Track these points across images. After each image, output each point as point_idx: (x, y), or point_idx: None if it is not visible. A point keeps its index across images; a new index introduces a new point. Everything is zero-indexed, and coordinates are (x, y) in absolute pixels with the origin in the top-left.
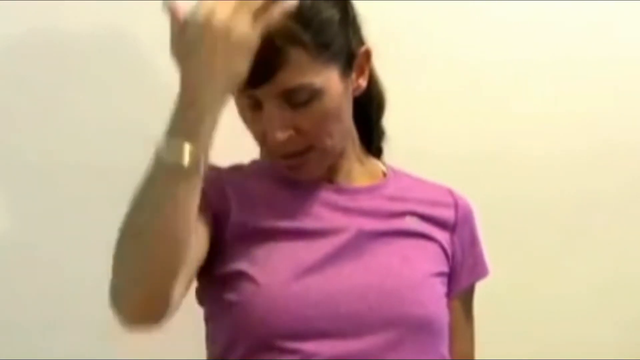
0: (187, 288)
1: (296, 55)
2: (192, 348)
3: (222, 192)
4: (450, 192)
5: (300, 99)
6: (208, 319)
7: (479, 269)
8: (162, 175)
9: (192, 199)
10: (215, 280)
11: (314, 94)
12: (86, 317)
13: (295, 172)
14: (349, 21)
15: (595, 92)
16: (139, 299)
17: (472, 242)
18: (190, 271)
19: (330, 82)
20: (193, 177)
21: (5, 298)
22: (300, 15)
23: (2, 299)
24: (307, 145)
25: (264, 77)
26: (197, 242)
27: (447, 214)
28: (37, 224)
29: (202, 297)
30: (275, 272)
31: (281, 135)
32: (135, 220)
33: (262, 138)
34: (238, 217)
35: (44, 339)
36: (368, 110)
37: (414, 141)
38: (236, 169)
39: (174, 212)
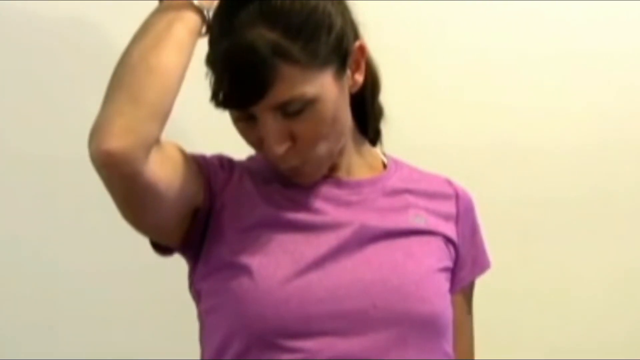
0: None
1: (287, 70)
2: (191, 348)
3: (229, 174)
4: (449, 183)
5: (294, 109)
6: (203, 314)
7: (481, 261)
8: (168, 10)
9: (188, 42)
10: (212, 272)
11: (308, 103)
12: (86, 317)
13: (295, 178)
14: (339, 20)
15: (602, 86)
16: (118, 130)
17: (474, 233)
18: (175, 187)
19: (324, 87)
20: (195, 18)
21: (5, 298)
22: (287, 27)
23: (2, 299)
24: (304, 158)
25: (255, 96)
26: (187, 177)
27: (449, 205)
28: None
29: (199, 289)
30: (276, 267)
31: (279, 149)
32: (132, 52)
33: (258, 146)
34: (237, 209)
35: (44, 339)
36: (363, 91)
37: (418, 135)
38: (239, 163)
39: (170, 48)
